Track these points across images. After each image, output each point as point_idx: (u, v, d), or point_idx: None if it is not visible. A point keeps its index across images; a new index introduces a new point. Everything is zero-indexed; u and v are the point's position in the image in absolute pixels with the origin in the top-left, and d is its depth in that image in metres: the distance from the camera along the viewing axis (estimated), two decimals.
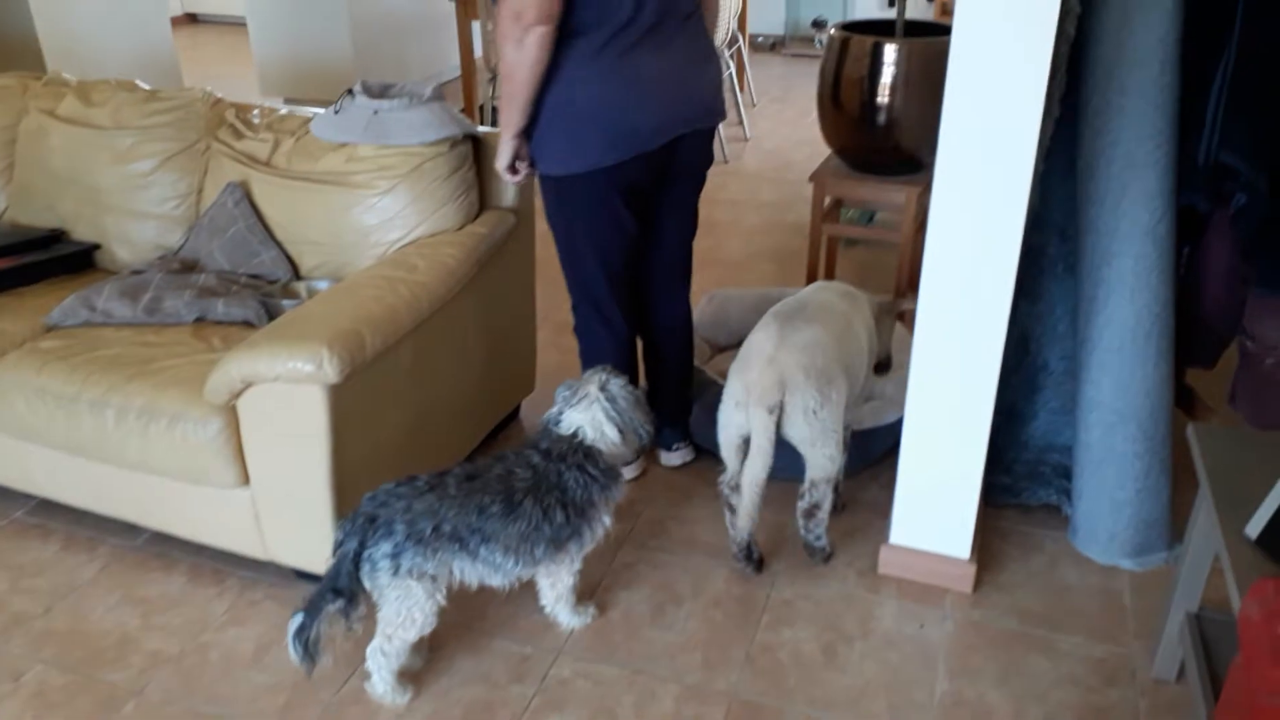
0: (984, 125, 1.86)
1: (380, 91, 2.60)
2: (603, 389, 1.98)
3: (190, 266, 2.60)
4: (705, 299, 3.19)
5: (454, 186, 2.50)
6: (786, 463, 2.50)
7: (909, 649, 2.08)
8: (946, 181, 1.93)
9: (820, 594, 2.23)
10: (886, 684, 2.00)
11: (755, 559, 2.27)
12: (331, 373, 1.92)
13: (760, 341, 2.11)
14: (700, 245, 4.04)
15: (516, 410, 2.90)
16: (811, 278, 3.51)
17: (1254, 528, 1.51)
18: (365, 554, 1.79)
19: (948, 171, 1.92)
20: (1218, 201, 2.18)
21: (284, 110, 2.77)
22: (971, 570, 2.22)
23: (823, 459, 2.12)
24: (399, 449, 2.23)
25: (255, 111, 2.77)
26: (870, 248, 4.09)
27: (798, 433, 2.08)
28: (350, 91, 2.59)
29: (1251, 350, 2.27)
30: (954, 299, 2.00)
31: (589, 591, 2.24)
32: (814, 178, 3.36)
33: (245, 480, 2.12)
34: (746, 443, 2.10)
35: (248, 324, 2.40)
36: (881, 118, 3.19)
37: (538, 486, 1.91)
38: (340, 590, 1.79)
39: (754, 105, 6.06)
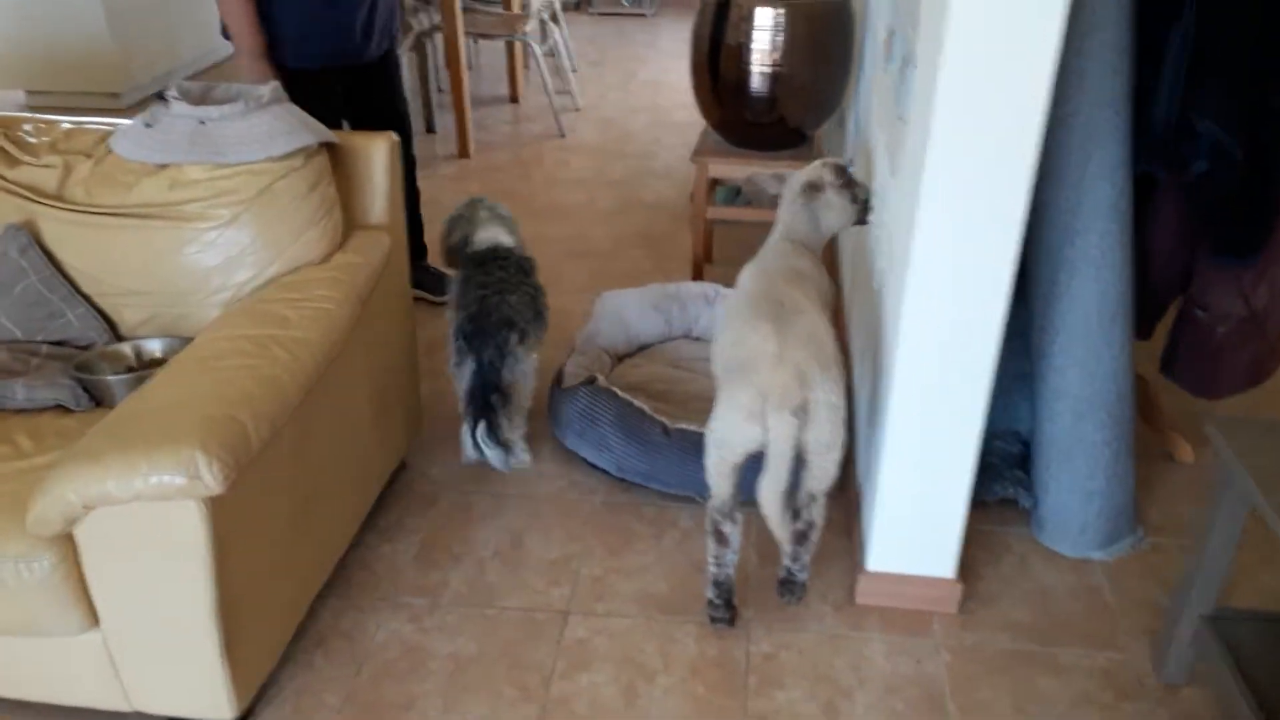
0: (980, 122, 1.62)
1: (202, 95, 2.10)
2: (489, 209, 2.58)
3: None
4: (597, 304, 2.86)
5: (314, 208, 2.04)
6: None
7: (912, 693, 1.88)
8: (936, 183, 1.68)
9: (802, 641, 1.99)
10: None
11: (733, 606, 2.00)
12: (213, 482, 1.48)
13: (759, 342, 1.83)
14: (561, 235, 3.70)
15: (403, 465, 2.48)
16: (698, 265, 3.24)
17: None
18: (507, 351, 2.26)
19: (937, 174, 1.67)
20: (1174, 168, 2.06)
21: (66, 123, 2.20)
22: (958, 590, 2.04)
23: (833, 465, 1.86)
24: (284, 543, 1.80)
25: (26, 126, 2.19)
26: (740, 226, 3.86)
27: (820, 434, 1.81)
28: (163, 97, 2.06)
29: (1202, 319, 2.19)
30: (943, 298, 1.77)
31: (542, 683, 1.91)
32: (695, 157, 3.07)
33: (93, 622, 1.63)
34: (748, 461, 1.83)
35: (61, 408, 1.88)
36: (764, 89, 2.94)
37: (522, 272, 2.44)
38: (501, 388, 2.27)
39: (574, 71, 5.69)
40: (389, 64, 2.95)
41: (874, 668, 1.93)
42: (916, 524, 1.99)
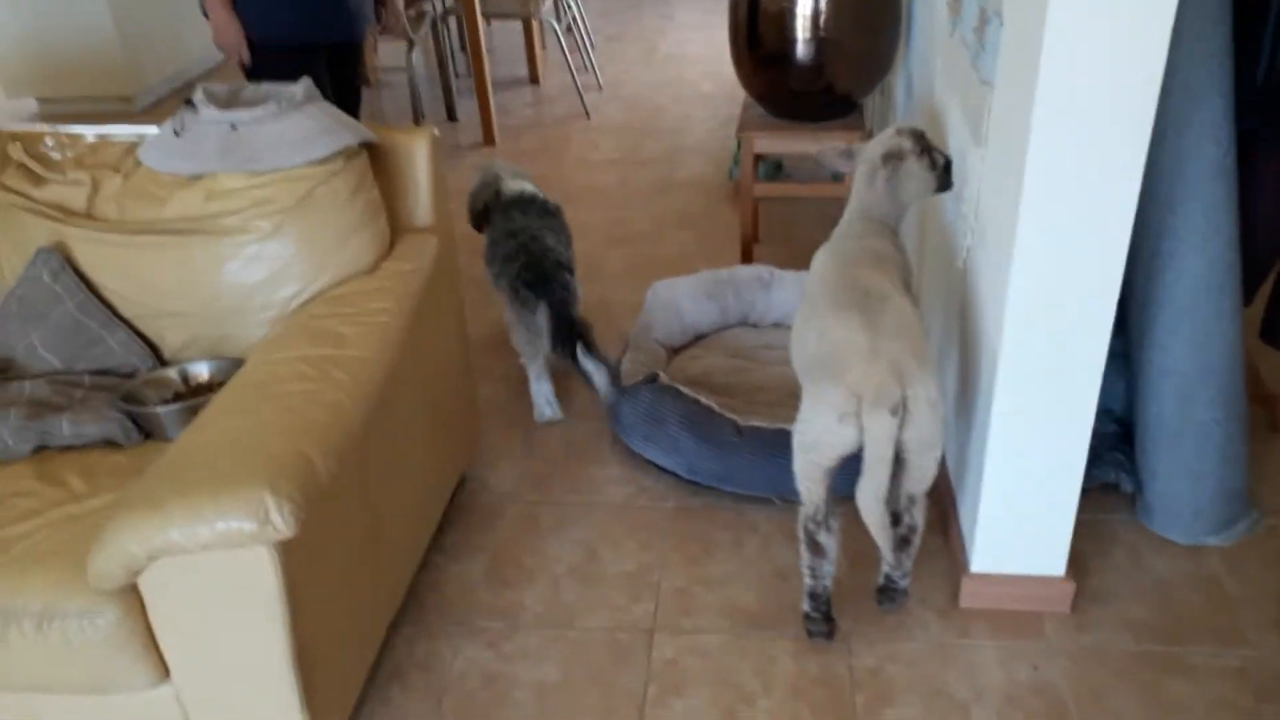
0: (1092, 78, 1.46)
1: (229, 98, 1.96)
2: (506, 167, 2.79)
3: (3, 372, 1.89)
4: (650, 294, 2.72)
5: (358, 213, 1.91)
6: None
7: (1034, 704, 1.75)
8: (1042, 150, 1.53)
9: (908, 652, 1.87)
10: None
11: (831, 619, 1.87)
12: (284, 525, 1.35)
13: (847, 335, 1.69)
14: (598, 220, 3.56)
15: (462, 479, 2.36)
16: (747, 246, 3.09)
17: None
18: (570, 290, 2.43)
19: (1043, 141, 1.52)
20: (1275, 122, 1.90)
21: (90, 134, 2.07)
22: (1070, 589, 1.90)
23: (933, 464, 1.72)
24: (354, 575, 1.67)
25: (48, 140, 2.05)
26: (783, 203, 3.70)
27: (920, 433, 1.67)
28: (190, 103, 1.92)
29: None
30: (1053, 275, 1.63)
31: (636, 711, 1.78)
32: (740, 132, 2.92)
33: (164, 675, 1.52)
34: (840, 463, 1.70)
35: (110, 443, 1.75)
36: (809, 55, 2.78)
37: (549, 214, 2.59)
38: (576, 321, 2.40)
39: (592, 48, 5.51)
40: (355, 49, 2.93)
41: (988, 677, 1.80)
42: (1023, 520, 1.86)
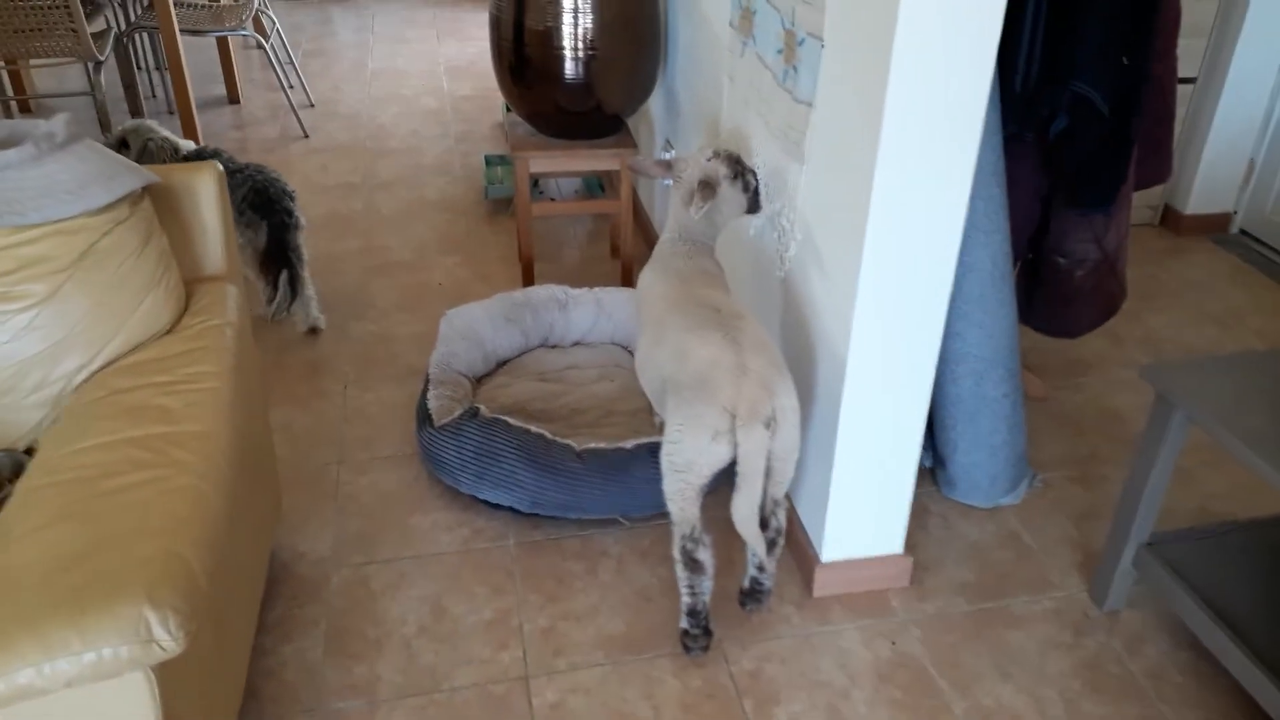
0: (932, 95, 1.58)
1: None
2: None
3: None
4: (444, 324, 2.60)
5: (151, 266, 1.67)
6: (656, 499, 2.14)
7: (903, 678, 1.87)
8: (890, 165, 1.63)
9: (780, 649, 1.92)
10: None
11: (710, 631, 1.89)
12: (172, 642, 1.15)
13: (711, 353, 1.71)
14: (351, 250, 3.36)
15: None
16: (528, 267, 3.04)
17: None
18: (292, 216, 2.81)
19: (891, 156, 1.62)
20: (1038, 128, 2.16)
21: None
22: (909, 563, 2.05)
23: (793, 468, 1.79)
24: (205, 682, 1.46)
25: None
26: (540, 221, 3.66)
27: (786, 441, 1.73)
28: None
29: (1063, 266, 2.33)
30: (897, 278, 1.74)
31: None
32: (515, 153, 2.86)
33: None
34: (711, 480, 1.72)
35: None
36: (578, 74, 2.78)
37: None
38: (292, 246, 2.84)
39: (292, 64, 5.17)
40: None
41: (858, 660, 1.90)
42: (868, 507, 1.98)
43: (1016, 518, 2.26)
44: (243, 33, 4.15)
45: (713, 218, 2.02)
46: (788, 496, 1.88)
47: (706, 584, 1.82)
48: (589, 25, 2.72)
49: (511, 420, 2.23)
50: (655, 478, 2.13)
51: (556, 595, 2.04)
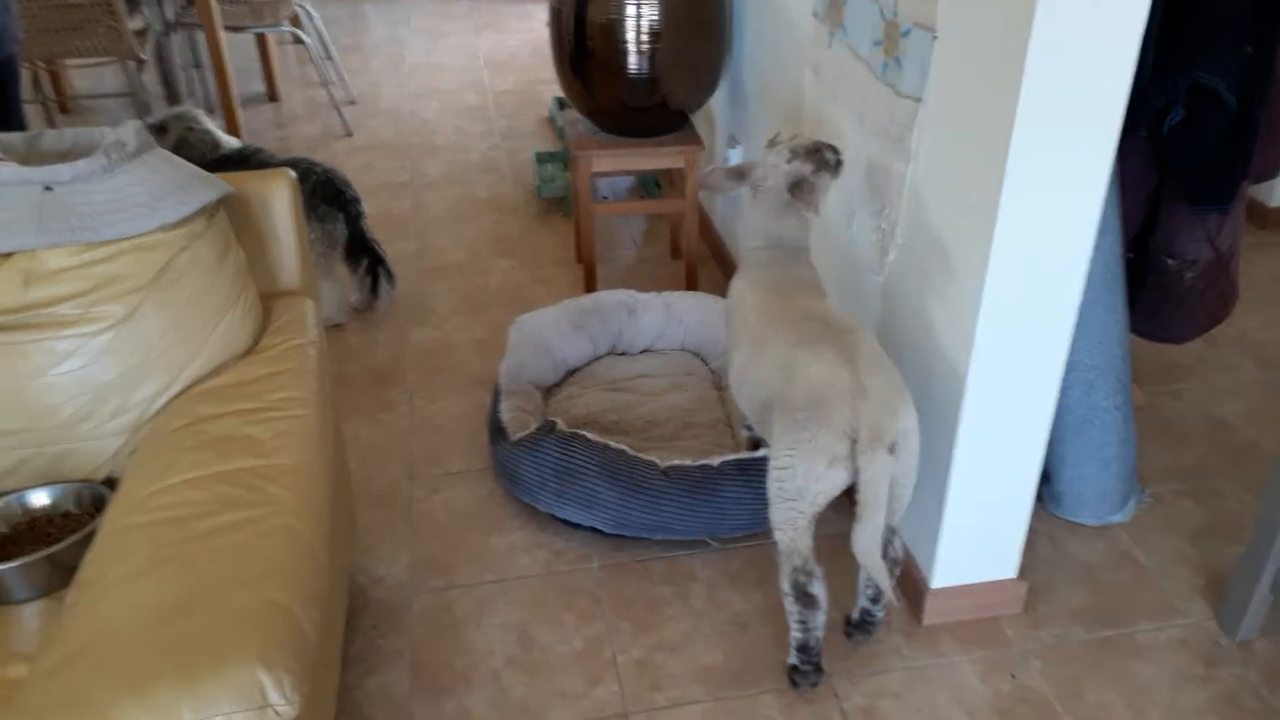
0: (1070, 92, 1.45)
1: (28, 147, 1.54)
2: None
3: None
4: (514, 331, 2.49)
5: (229, 283, 1.56)
6: (746, 520, 2.04)
7: (1025, 712, 1.75)
8: (1020, 171, 1.50)
9: (891, 684, 1.81)
10: None
11: (822, 668, 1.77)
12: (287, 706, 1.05)
13: (826, 371, 1.58)
14: (406, 252, 3.26)
15: None
16: (591, 271, 2.93)
17: None
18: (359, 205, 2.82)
19: (1022, 160, 1.49)
20: (1147, 122, 2.03)
21: None
22: (1023, 589, 1.93)
23: (910, 494, 1.67)
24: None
25: None
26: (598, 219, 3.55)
27: (907, 465, 1.61)
28: None
29: (1172, 268, 2.19)
30: (1022, 291, 1.62)
31: None
32: (577, 151, 2.74)
33: None
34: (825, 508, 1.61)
35: None
36: (643, 68, 2.65)
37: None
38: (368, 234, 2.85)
39: (332, 60, 5.07)
40: (8, 71, 2.53)
41: (975, 694, 1.78)
42: (983, 530, 1.86)
43: (1128, 536, 2.13)
44: (284, 28, 4.05)
45: (806, 220, 1.90)
46: None
47: (820, 618, 1.70)
48: (654, 16, 2.59)
49: (590, 435, 2.12)
50: (744, 497, 2.04)
51: (648, 623, 1.93)
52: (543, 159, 3.70)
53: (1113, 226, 1.96)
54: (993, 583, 1.92)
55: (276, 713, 1.04)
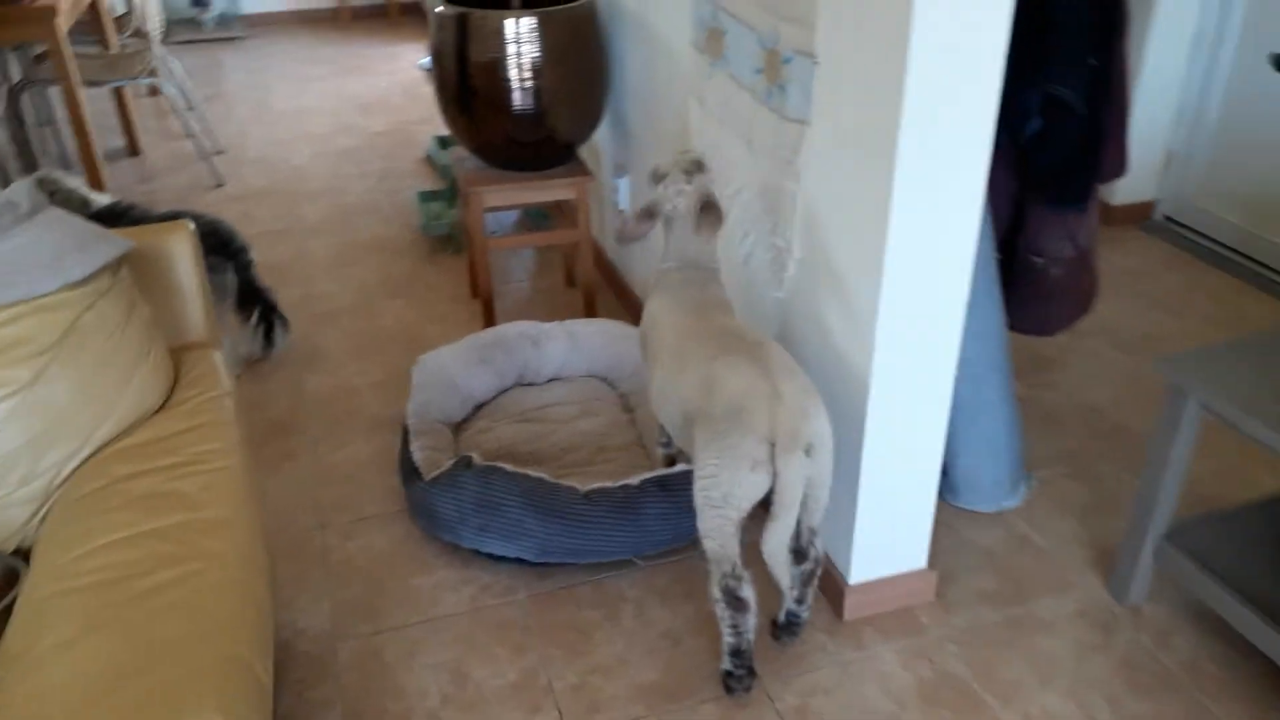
0: (944, 110, 1.57)
1: None
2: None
3: None
4: (417, 371, 2.48)
5: (138, 339, 1.53)
6: (669, 536, 2.09)
7: (948, 694, 1.85)
8: (908, 184, 1.61)
9: (821, 680, 1.88)
10: None
11: (754, 671, 1.83)
12: None
13: (743, 382, 1.65)
14: (293, 298, 3.20)
15: None
16: (489, 304, 2.94)
17: None
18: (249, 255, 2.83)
19: (909, 173, 1.60)
20: (1007, 131, 2.19)
21: None
22: (934, 576, 2.04)
23: (827, 495, 1.75)
24: None
25: None
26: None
27: (823, 467, 1.68)
28: None
29: (1039, 265, 2.36)
30: (915, 297, 1.73)
31: None
32: (468, 187, 2.76)
33: None
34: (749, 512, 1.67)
35: None
36: (529, 104, 2.70)
37: None
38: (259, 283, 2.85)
39: (192, 109, 4.93)
40: None
41: (899, 682, 1.87)
42: (893, 524, 1.95)
43: (1022, 520, 2.27)
44: (144, 80, 3.93)
45: (714, 240, 1.98)
46: None
47: (751, 621, 1.76)
48: (535, 54, 2.65)
49: (508, 466, 2.13)
50: (668, 513, 2.09)
51: (580, 648, 1.95)
52: (426, 198, 3.69)
53: (987, 231, 2.11)
54: (906, 574, 2.01)
55: None
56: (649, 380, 1.95)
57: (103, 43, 4.38)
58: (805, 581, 1.83)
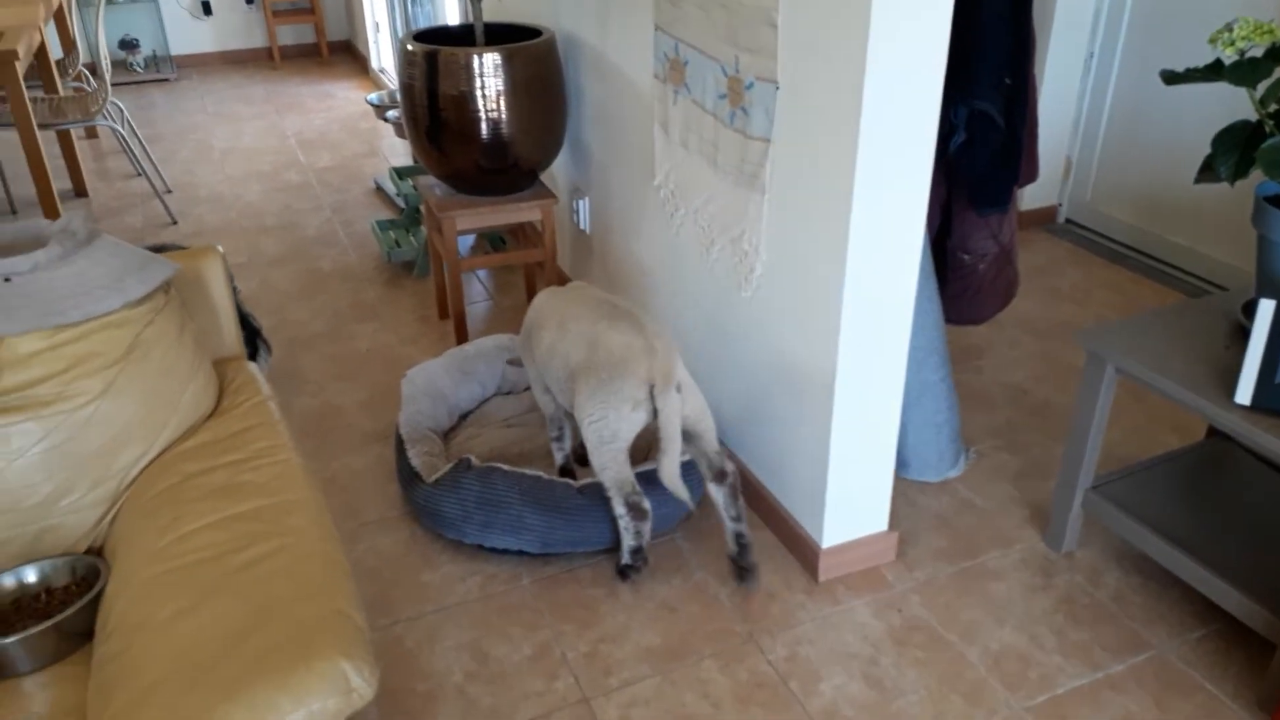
0: (896, 124, 1.83)
1: None
2: None
3: None
4: (406, 384, 2.65)
5: (191, 351, 1.69)
6: (657, 522, 2.29)
7: (918, 638, 2.09)
8: (866, 190, 1.87)
9: (805, 634, 2.11)
10: (941, 678, 1.99)
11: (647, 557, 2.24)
12: (368, 689, 1.21)
13: (626, 340, 2.04)
14: (271, 325, 3.34)
15: None
16: (461, 321, 3.12)
17: (1243, 395, 1.82)
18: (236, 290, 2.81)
19: (868, 181, 1.86)
20: (941, 143, 2.47)
21: None
22: (895, 537, 2.29)
23: (712, 422, 2.14)
24: None
25: None
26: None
27: (696, 403, 2.09)
28: None
29: (967, 262, 2.65)
30: (874, 283, 1.98)
31: None
32: (441, 211, 2.95)
33: None
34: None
35: None
36: (496, 134, 2.91)
37: None
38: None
39: (144, 148, 4.99)
40: None
41: (873, 629, 2.11)
42: (858, 493, 2.20)
43: (964, 487, 2.55)
44: (102, 122, 4.01)
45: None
46: (766, 500, 2.08)
47: (648, 525, 2.17)
48: (500, 87, 2.86)
49: (506, 466, 2.32)
50: (655, 501, 2.30)
51: (588, 621, 2.14)
52: (384, 226, 3.85)
53: (928, 229, 2.38)
54: (870, 536, 2.26)
55: (360, 695, 1.20)
56: (536, 344, 2.28)
57: (49, 87, 4.44)
58: (733, 495, 2.13)
